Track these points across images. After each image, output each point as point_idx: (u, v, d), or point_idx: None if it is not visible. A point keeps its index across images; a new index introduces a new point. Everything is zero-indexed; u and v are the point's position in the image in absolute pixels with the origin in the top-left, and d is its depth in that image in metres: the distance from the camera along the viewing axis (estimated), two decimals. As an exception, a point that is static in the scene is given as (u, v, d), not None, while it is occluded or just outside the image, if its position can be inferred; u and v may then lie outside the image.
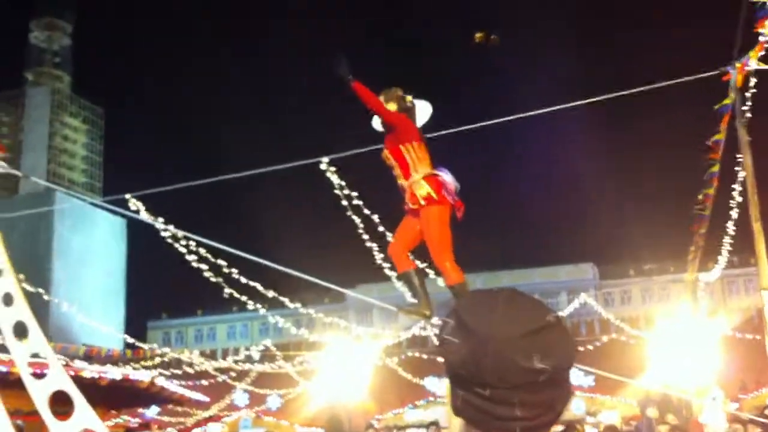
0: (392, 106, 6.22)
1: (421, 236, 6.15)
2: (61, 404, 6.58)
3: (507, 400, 1.31)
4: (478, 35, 6.45)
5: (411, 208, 6.14)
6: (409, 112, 6.31)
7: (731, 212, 10.94)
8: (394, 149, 6.16)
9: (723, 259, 14.61)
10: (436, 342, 1.42)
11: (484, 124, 9.35)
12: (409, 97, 6.37)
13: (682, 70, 8.32)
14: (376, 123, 6.45)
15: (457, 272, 6.07)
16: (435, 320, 6.49)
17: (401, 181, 6.18)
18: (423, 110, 6.54)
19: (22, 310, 6.58)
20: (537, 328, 1.32)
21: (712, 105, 7.90)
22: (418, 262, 6.72)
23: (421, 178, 6.04)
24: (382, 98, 6.20)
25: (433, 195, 5.96)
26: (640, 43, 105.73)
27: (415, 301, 6.42)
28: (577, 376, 30.00)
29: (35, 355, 6.78)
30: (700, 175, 9.43)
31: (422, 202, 6.00)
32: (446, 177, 6.14)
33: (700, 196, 10.29)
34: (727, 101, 7.76)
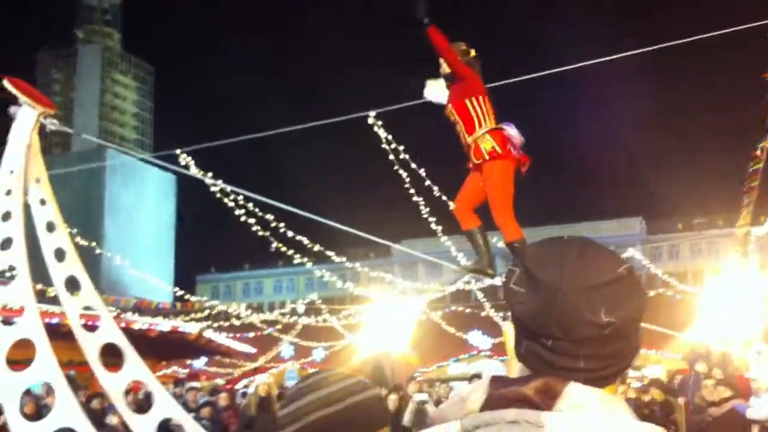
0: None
1: (484, 193, 6.05)
2: (112, 356, 6.73)
3: (571, 352, 1.29)
4: None
5: (475, 164, 6.03)
6: (474, 67, 6.17)
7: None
8: (459, 104, 6.04)
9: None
10: (502, 291, 1.39)
11: (530, 76, 9.21)
12: (473, 52, 6.24)
13: (736, 20, 8.10)
14: (429, 92, 6.34)
15: (517, 229, 5.99)
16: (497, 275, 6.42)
17: (465, 137, 6.06)
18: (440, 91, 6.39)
19: (74, 265, 6.72)
20: (606, 281, 1.30)
21: (765, 55, 7.68)
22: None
23: (485, 133, 5.94)
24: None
25: (498, 149, 5.87)
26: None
27: (477, 258, 6.37)
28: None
29: (87, 308, 6.93)
30: (752, 128, 9.22)
31: (486, 157, 5.91)
32: (511, 131, 6.03)
33: (758, 152, 10.05)
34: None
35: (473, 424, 1.29)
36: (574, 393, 1.28)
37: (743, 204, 13.64)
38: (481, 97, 6.02)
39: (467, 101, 5.99)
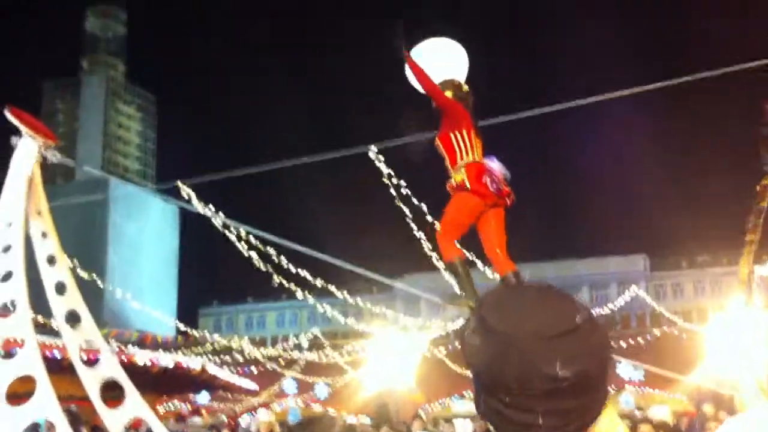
0: (448, 94, 6.15)
1: (470, 225, 6.05)
2: (113, 390, 6.67)
3: (529, 408, 1.22)
4: None
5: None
6: (466, 102, 6.23)
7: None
8: (445, 136, 6.08)
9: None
10: (457, 343, 1.32)
11: (533, 113, 9.21)
12: (465, 87, 6.29)
13: (738, 57, 8.12)
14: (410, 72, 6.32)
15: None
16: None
17: (449, 171, 6.11)
18: (452, 54, 6.40)
19: (74, 299, 6.68)
20: (563, 331, 1.21)
21: (766, 92, 7.69)
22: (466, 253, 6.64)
23: (462, 166, 5.98)
24: (439, 86, 6.12)
25: (467, 183, 5.88)
26: (695, 31, 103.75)
27: (461, 292, 6.35)
28: (626, 369, 29.66)
29: (88, 342, 6.87)
30: (755, 166, 9.20)
31: (449, 189, 5.99)
32: (493, 165, 6.06)
33: (758, 187, 10.03)
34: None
35: None
36: None
37: (746, 242, 13.60)
38: (465, 131, 6.04)
39: (451, 135, 6.03)
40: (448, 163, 6.09)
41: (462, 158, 6.01)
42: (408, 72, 6.13)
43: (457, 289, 6.76)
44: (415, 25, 6.34)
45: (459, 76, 6.41)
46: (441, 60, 6.35)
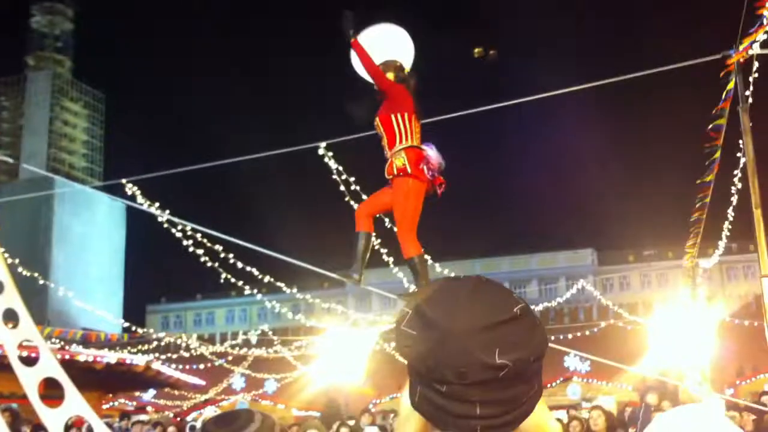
0: (390, 76, 6.17)
1: (389, 205, 6.17)
2: (54, 388, 6.54)
3: (466, 398, 1.21)
4: (476, 50, 6.44)
5: (387, 178, 6.14)
6: (408, 83, 6.24)
7: (731, 198, 10.87)
8: (385, 117, 6.12)
9: (722, 245, 14.54)
10: (394, 331, 1.30)
11: (480, 109, 9.26)
12: (408, 69, 6.31)
13: (682, 54, 8.24)
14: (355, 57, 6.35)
15: (415, 245, 6.08)
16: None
17: (386, 151, 6.16)
18: (395, 37, 6.45)
19: (12, 297, 6.53)
20: (500, 321, 1.21)
21: (714, 90, 7.83)
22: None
23: (402, 150, 6.00)
24: (380, 67, 6.14)
25: (408, 167, 5.93)
26: (640, 27, 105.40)
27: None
28: (573, 361, 30.07)
29: (27, 341, 6.73)
30: (700, 160, 9.36)
31: (395, 173, 5.99)
32: (431, 152, 6.10)
33: (699, 182, 10.21)
34: (729, 86, 7.67)
35: None
36: None
37: (690, 237, 13.85)
38: (407, 114, 6.08)
39: (392, 116, 6.06)
40: (385, 143, 6.11)
41: (401, 141, 6.04)
42: (354, 58, 6.13)
43: (412, 285, 6.79)
44: (366, 16, 6.35)
45: (404, 60, 6.42)
46: (386, 44, 6.36)
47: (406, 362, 1.31)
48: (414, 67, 6.48)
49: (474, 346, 1.20)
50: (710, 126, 8.02)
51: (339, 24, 6.05)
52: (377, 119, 6.19)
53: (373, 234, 6.43)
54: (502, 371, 1.19)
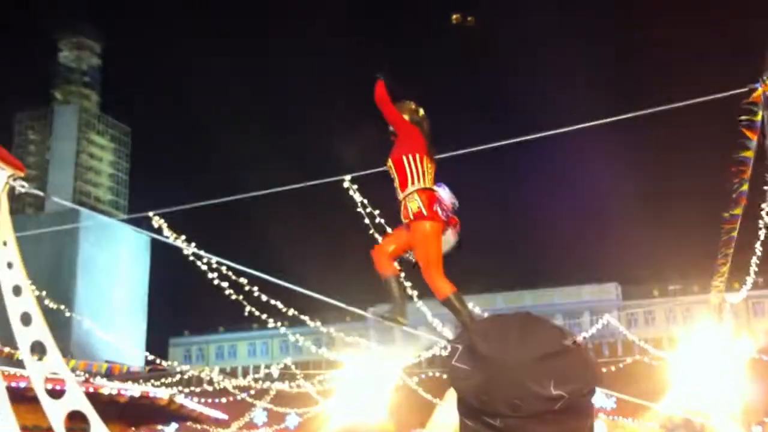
0: (405, 117, 6.23)
1: (407, 247, 6.19)
2: (79, 421, 6.55)
3: (520, 431, 1.21)
4: (454, 17, 6.52)
5: (404, 222, 6.18)
6: (421, 126, 6.29)
7: (759, 232, 10.77)
8: (397, 159, 6.16)
9: (750, 280, 14.37)
10: (446, 369, 1.31)
11: (504, 143, 9.27)
12: (422, 111, 6.37)
13: (709, 87, 8.22)
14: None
15: (448, 284, 6.07)
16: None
17: (399, 193, 6.19)
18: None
19: (40, 330, 6.57)
20: (552, 353, 1.22)
21: (738, 122, 7.78)
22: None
23: (414, 191, 6.04)
24: (396, 107, 6.22)
25: (423, 210, 5.96)
26: (665, 61, 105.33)
27: (391, 306, 6.41)
28: (598, 398, 29.71)
29: (53, 373, 6.76)
30: (725, 194, 9.29)
31: (411, 217, 6.02)
32: (442, 193, 6.13)
33: (728, 215, 10.12)
34: (756, 118, 7.63)
35: None
36: None
37: (718, 272, 13.71)
38: (418, 155, 6.11)
39: (404, 157, 6.11)
40: (397, 185, 6.15)
41: (413, 183, 6.08)
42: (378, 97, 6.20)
43: (432, 318, 6.79)
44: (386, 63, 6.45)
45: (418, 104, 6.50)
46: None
47: (457, 397, 1.31)
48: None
49: (528, 378, 1.21)
50: (738, 158, 7.98)
51: (379, 70, 6.14)
52: (390, 160, 6.25)
53: (397, 274, 6.43)
54: (557, 403, 1.20)
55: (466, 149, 9.07)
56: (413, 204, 6.00)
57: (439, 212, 5.97)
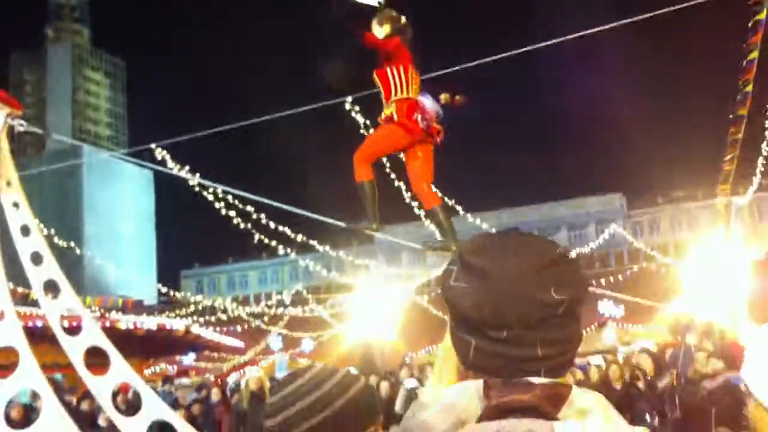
0: (386, 27, 6.17)
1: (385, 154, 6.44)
2: (98, 356, 6.63)
3: (527, 340, 1.24)
4: (443, 96, 6.49)
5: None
6: (403, 34, 6.23)
7: (765, 133, 10.68)
8: (381, 71, 6.19)
9: (756, 180, 14.33)
10: (442, 290, 1.33)
11: (501, 56, 9.13)
12: (404, 19, 6.30)
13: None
14: None
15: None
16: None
17: (384, 104, 6.22)
18: None
19: (51, 268, 6.60)
20: (549, 261, 1.26)
21: (746, 22, 7.61)
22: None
23: (394, 101, 6.07)
24: (375, 20, 6.21)
25: (395, 116, 6.01)
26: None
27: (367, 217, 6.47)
28: (607, 306, 30.02)
29: (69, 311, 6.82)
30: (731, 96, 9.18)
31: (379, 121, 6.15)
32: (426, 102, 6.12)
33: (732, 116, 10.02)
34: (760, 16, 7.47)
35: None
36: (577, 398, 1.23)
37: (723, 174, 13.66)
38: (402, 66, 6.13)
39: (388, 69, 6.12)
40: (382, 97, 6.19)
41: (396, 93, 6.10)
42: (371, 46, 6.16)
43: (438, 236, 6.79)
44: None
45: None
46: None
47: (454, 319, 1.32)
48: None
49: (531, 286, 1.24)
50: (744, 62, 7.85)
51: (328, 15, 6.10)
52: (374, 74, 6.25)
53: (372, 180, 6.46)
54: (560, 307, 1.24)
55: (465, 65, 8.94)
56: (387, 110, 6.08)
57: (419, 120, 5.97)
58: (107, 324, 16.02)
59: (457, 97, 6.56)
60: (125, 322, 18.34)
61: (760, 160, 12.27)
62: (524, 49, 9.03)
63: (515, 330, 1.23)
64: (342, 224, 7.07)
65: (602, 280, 28.62)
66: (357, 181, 6.17)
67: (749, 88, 8.47)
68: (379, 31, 6.19)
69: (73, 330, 6.67)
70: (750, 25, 7.63)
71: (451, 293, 1.30)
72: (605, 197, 66.20)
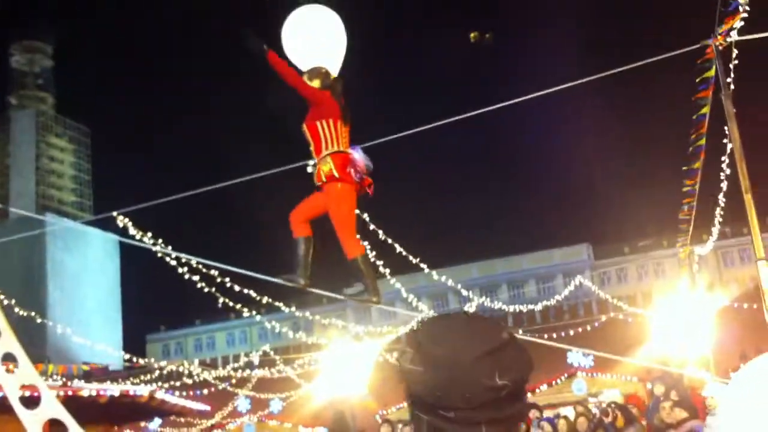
0: (316, 83, 6.22)
1: (322, 210, 6.34)
2: (59, 426, 6.49)
3: (473, 420, 1.36)
4: (472, 34, 6.63)
5: (317, 185, 6.30)
6: (334, 89, 6.30)
7: (721, 184, 10.88)
8: (311, 125, 6.21)
9: (716, 231, 14.55)
10: (398, 370, 1.48)
11: (468, 114, 9.25)
12: (334, 74, 6.39)
13: (664, 43, 8.24)
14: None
15: (358, 245, 6.33)
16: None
17: (314, 158, 6.27)
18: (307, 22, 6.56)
19: (10, 341, 6.48)
20: (496, 347, 1.38)
21: (696, 77, 7.82)
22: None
23: (328, 155, 6.12)
24: (306, 76, 6.25)
25: (335, 172, 6.07)
26: (620, 22, 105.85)
27: (296, 269, 6.50)
28: (576, 356, 30.03)
29: (27, 383, 6.68)
30: (688, 149, 9.37)
31: (323, 179, 6.15)
32: (356, 155, 6.21)
33: (686, 168, 10.23)
34: (709, 74, 7.68)
35: None
36: None
37: (682, 224, 13.87)
38: (332, 120, 6.18)
39: (318, 123, 6.17)
40: (312, 150, 6.23)
41: (327, 147, 6.17)
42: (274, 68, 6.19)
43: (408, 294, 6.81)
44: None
45: (331, 63, 6.51)
46: (312, 43, 6.50)
47: (411, 397, 1.46)
48: (343, 67, 6.58)
49: (478, 373, 1.36)
50: (695, 116, 8.04)
51: (243, 45, 6.11)
52: (304, 126, 6.29)
53: (312, 238, 6.53)
54: (503, 391, 1.36)
55: (436, 123, 9.04)
56: (326, 167, 6.12)
57: (352, 174, 6.03)
58: (69, 392, 15.69)
59: (487, 35, 6.67)
60: (88, 390, 17.96)
61: (718, 210, 12.47)
62: (485, 109, 9.16)
63: (463, 411, 1.35)
64: (279, 280, 7.04)
65: (571, 331, 28.72)
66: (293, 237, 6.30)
67: (702, 141, 8.66)
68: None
69: (31, 402, 6.53)
70: (697, 81, 7.84)
71: (408, 376, 1.43)
72: (572, 248, 66.73)
